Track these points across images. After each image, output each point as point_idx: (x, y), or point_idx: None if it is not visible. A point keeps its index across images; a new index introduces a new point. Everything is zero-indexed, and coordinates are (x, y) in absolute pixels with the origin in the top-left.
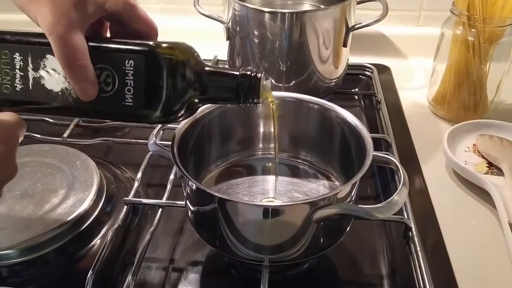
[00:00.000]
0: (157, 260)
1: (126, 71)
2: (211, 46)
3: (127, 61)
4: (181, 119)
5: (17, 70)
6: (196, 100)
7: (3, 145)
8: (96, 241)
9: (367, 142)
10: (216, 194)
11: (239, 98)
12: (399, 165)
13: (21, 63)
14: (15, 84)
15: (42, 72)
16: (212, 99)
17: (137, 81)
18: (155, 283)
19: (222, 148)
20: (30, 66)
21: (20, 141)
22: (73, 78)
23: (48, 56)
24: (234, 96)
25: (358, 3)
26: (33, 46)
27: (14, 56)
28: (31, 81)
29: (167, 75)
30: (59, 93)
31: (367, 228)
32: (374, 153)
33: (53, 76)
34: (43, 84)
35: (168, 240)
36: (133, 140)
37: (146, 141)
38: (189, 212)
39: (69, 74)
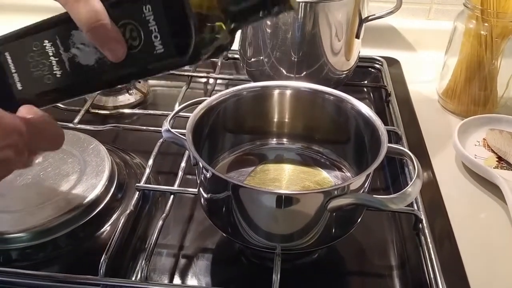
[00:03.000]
0: (168, 247)
1: (147, 18)
2: None
3: (144, 7)
4: (216, 51)
5: (51, 58)
6: (225, 26)
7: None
8: (107, 227)
9: (382, 133)
10: (232, 180)
11: (267, 4)
12: (413, 157)
13: (53, 49)
14: (54, 71)
15: (73, 50)
16: (241, 16)
17: (160, 24)
18: (166, 269)
19: (235, 136)
20: (61, 48)
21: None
22: (99, 40)
23: (73, 32)
24: (263, 4)
25: None
26: (57, 27)
27: (44, 44)
28: (67, 63)
29: (187, 6)
30: (95, 65)
31: (377, 220)
32: (388, 145)
33: (84, 50)
34: (78, 61)
35: (178, 227)
36: (144, 127)
37: (156, 128)
38: (202, 199)
39: (93, 38)
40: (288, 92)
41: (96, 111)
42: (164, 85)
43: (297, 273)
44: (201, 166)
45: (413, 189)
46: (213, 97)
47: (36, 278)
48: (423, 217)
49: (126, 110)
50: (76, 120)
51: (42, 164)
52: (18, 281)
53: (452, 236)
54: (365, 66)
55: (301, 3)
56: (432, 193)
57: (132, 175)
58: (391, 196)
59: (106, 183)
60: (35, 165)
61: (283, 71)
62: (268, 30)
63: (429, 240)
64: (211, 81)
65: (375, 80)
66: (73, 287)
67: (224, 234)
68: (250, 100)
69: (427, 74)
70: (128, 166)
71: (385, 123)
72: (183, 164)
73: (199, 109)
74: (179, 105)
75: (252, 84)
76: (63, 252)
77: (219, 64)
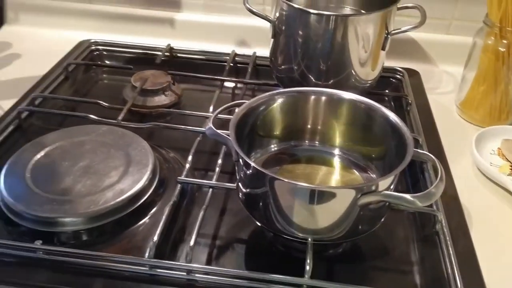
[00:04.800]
0: (205, 236)
1: None
2: (251, 43)
3: None
4: None
5: None
6: None
7: None
8: (150, 216)
9: (408, 138)
10: (274, 175)
11: None
12: (437, 161)
13: None
14: None
15: None
16: None
17: None
18: (203, 256)
19: (271, 136)
20: None
21: None
22: None
23: None
24: None
25: (398, 9)
26: None
27: None
28: None
29: None
30: None
31: (398, 219)
32: (413, 149)
33: None
34: None
35: (214, 219)
36: (182, 126)
37: (193, 127)
38: (240, 192)
39: None
40: (323, 98)
41: (137, 109)
42: (196, 89)
43: (324, 265)
44: (242, 161)
45: (437, 190)
46: (253, 99)
47: (89, 257)
48: (442, 217)
49: (163, 110)
50: (120, 118)
51: (91, 156)
52: (71, 260)
53: (468, 236)
54: (387, 76)
55: (332, 16)
56: (450, 196)
57: (171, 169)
58: (416, 194)
59: (150, 176)
60: (86, 157)
61: (312, 78)
62: (300, 39)
63: (447, 238)
64: (239, 85)
65: (396, 90)
66: (122, 266)
67: (259, 224)
68: (287, 104)
69: (446, 86)
70: (167, 161)
71: None
72: (219, 161)
73: (241, 109)
74: (213, 107)
75: (290, 89)
76: (111, 237)
77: (249, 70)
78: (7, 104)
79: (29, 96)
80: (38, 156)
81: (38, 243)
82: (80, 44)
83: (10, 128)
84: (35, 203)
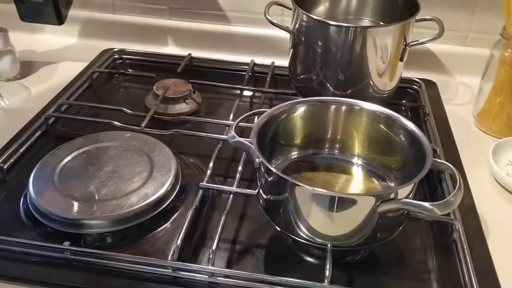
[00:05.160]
0: (225, 240)
1: None
2: (269, 53)
3: None
4: None
5: None
6: None
7: None
8: (172, 221)
9: (427, 148)
10: (296, 181)
11: None
12: (455, 170)
13: None
14: None
15: None
16: None
17: None
18: (224, 260)
19: (291, 144)
20: None
21: None
22: None
23: None
24: None
25: (416, 21)
26: None
27: None
28: None
29: None
30: None
31: (415, 228)
32: (432, 159)
33: None
34: None
35: (234, 224)
36: (204, 133)
37: (214, 135)
38: (261, 198)
39: None
40: (343, 107)
41: (159, 117)
42: (215, 97)
43: (342, 271)
44: (264, 167)
45: (455, 198)
46: (274, 107)
47: (114, 258)
48: (459, 226)
49: (184, 118)
50: (143, 124)
51: (117, 161)
52: (96, 261)
53: (485, 245)
54: (404, 87)
55: (351, 27)
56: (467, 205)
57: (192, 175)
58: (435, 203)
59: (173, 182)
60: (111, 162)
61: (330, 88)
62: (319, 50)
63: (465, 247)
64: (257, 94)
65: (413, 100)
66: (145, 268)
67: (279, 230)
68: (308, 113)
69: (463, 96)
70: (188, 167)
71: None
72: (240, 168)
73: (263, 117)
74: (233, 115)
75: (311, 98)
76: (134, 240)
77: (268, 80)
78: (34, 110)
79: (56, 102)
80: (66, 160)
81: (66, 244)
82: (104, 52)
83: (38, 133)
84: (62, 205)
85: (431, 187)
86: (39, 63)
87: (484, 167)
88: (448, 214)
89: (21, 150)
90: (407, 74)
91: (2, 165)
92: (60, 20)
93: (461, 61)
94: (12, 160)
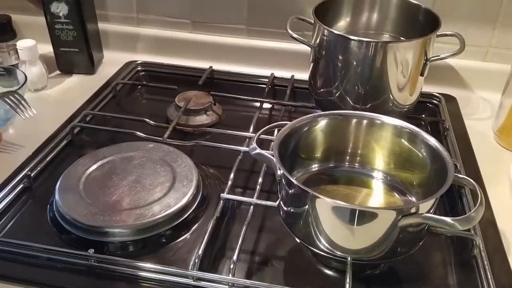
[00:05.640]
0: (245, 251)
1: None
2: (289, 66)
3: None
4: None
5: None
6: None
7: None
8: (193, 231)
9: (448, 163)
10: (316, 194)
11: None
12: (477, 186)
13: None
14: None
15: None
16: None
17: None
18: (244, 270)
19: (312, 156)
20: None
21: None
22: None
23: None
24: None
25: (437, 36)
26: None
27: None
28: None
29: None
30: None
31: (435, 243)
32: (454, 174)
33: None
34: None
35: (253, 235)
36: (224, 145)
37: (235, 146)
38: (282, 211)
39: None
40: (365, 121)
41: (182, 128)
42: (236, 109)
43: (361, 285)
44: (285, 180)
45: (476, 213)
46: (296, 120)
47: (137, 267)
48: (480, 242)
49: (205, 129)
50: (165, 135)
51: (140, 171)
52: (119, 269)
53: (506, 261)
54: (424, 101)
55: (372, 42)
56: (488, 221)
57: (212, 186)
58: (456, 218)
59: (194, 192)
60: (134, 171)
61: (350, 101)
62: (339, 64)
63: (485, 263)
64: (277, 107)
65: (433, 115)
66: (167, 277)
67: (299, 241)
68: (329, 126)
69: (483, 112)
70: (208, 178)
71: None
72: (260, 180)
73: (284, 129)
74: (253, 127)
75: (332, 111)
76: (156, 249)
77: (288, 93)
78: (61, 120)
79: (81, 113)
80: (91, 169)
81: (90, 252)
82: (128, 65)
83: (64, 142)
84: (87, 213)
85: (452, 202)
86: (65, 75)
87: (504, 182)
88: (469, 230)
89: (48, 158)
90: (427, 88)
91: (29, 173)
92: (93, 69)
93: (481, 76)
94: (38, 168)
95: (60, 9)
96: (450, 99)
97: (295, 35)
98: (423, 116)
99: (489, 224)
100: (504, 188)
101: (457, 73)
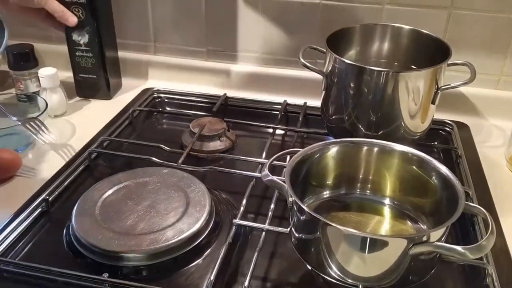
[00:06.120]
0: (256, 278)
1: None
2: (301, 93)
3: None
4: None
5: None
6: None
7: None
8: (205, 256)
9: (459, 192)
10: (328, 222)
11: None
12: (487, 215)
13: None
14: None
15: None
16: None
17: None
18: None
19: (323, 183)
20: None
21: None
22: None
23: None
24: None
25: (448, 65)
26: None
27: None
28: None
29: None
30: None
31: (446, 272)
32: (465, 203)
33: None
34: None
35: (265, 261)
36: (238, 171)
37: (247, 172)
38: (293, 238)
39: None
40: (375, 149)
41: (196, 154)
42: (249, 135)
43: None
44: (296, 206)
45: (487, 242)
46: (307, 147)
47: None
48: (492, 271)
49: (218, 155)
50: (180, 161)
51: (154, 196)
52: None
53: None
54: (436, 129)
55: (383, 71)
56: (500, 249)
57: (225, 211)
58: (467, 247)
59: (207, 218)
60: (149, 196)
61: (362, 129)
62: (351, 92)
63: None
64: (290, 133)
65: (445, 142)
66: None
67: (310, 268)
68: (340, 153)
69: (495, 139)
70: (221, 203)
71: None
72: (272, 206)
73: (296, 156)
74: (266, 153)
75: (343, 139)
76: (169, 274)
77: (300, 119)
78: (79, 145)
79: (98, 139)
80: (107, 194)
81: (105, 276)
82: (144, 91)
83: (81, 167)
84: (103, 238)
85: (464, 231)
86: (84, 100)
87: None
88: (481, 258)
89: (65, 183)
90: (439, 116)
91: (47, 197)
92: (110, 95)
93: (493, 104)
94: (56, 192)
95: (81, 37)
96: (463, 127)
97: (307, 64)
98: (436, 143)
99: (502, 253)
100: None
101: (470, 101)
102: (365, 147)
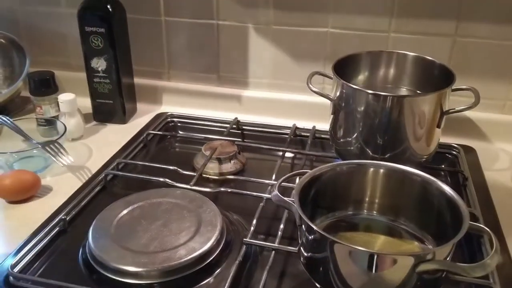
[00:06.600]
0: None
1: None
2: (310, 117)
3: None
4: None
5: None
6: None
7: None
8: (216, 275)
9: (463, 211)
10: (335, 239)
11: None
12: (491, 234)
13: None
14: None
15: None
16: None
17: None
18: None
19: (331, 204)
20: None
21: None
22: None
23: None
24: None
25: (453, 90)
26: None
27: None
28: None
29: None
30: None
31: None
32: (469, 222)
33: None
34: None
35: (275, 281)
36: (248, 192)
37: (257, 193)
38: (302, 257)
39: None
40: (381, 170)
41: (208, 176)
42: (259, 158)
43: None
44: (305, 225)
45: (492, 260)
46: (316, 169)
47: None
48: None
49: (229, 177)
50: (192, 183)
51: (167, 216)
52: None
53: None
54: (443, 152)
55: (389, 96)
56: (508, 270)
57: (236, 231)
58: (471, 265)
59: (218, 237)
60: (161, 217)
61: (369, 152)
62: (358, 116)
63: None
64: (299, 156)
65: (451, 165)
66: None
67: (319, 286)
68: (347, 174)
69: (502, 163)
70: (232, 223)
71: None
72: (281, 226)
73: (305, 177)
74: (276, 176)
75: (350, 161)
76: None
77: (309, 142)
78: (95, 167)
79: (114, 161)
80: (122, 214)
81: None
82: (158, 116)
83: (97, 188)
84: (117, 256)
85: (471, 252)
86: (100, 125)
87: None
88: (488, 278)
89: (82, 203)
90: (446, 140)
91: (65, 217)
92: (126, 119)
93: (500, 128)
94: (73, 212)
95: (99, 64)
96: (470, 150)
97: (315, 89)
98: (443, 166)
99: (508, 273)
100: None
101: (476, 126)
102: (371, 169)
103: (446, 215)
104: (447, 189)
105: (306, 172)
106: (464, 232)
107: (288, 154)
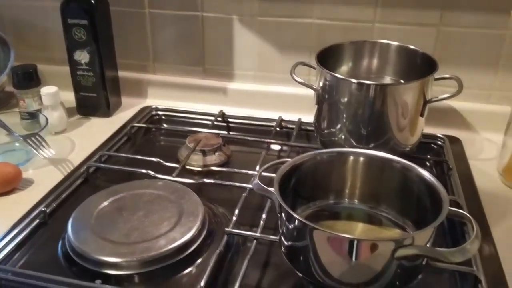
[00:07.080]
0: (248, 286)
1: None
2: (296, 109)
3: None
4: None
5: None
6: None
7: None
8: (197, 265)
9: (443, 196)
10: (315, 226)
11: None
12: (471, 219)
13: None
14: None
15: None
16: None
17: None
18: None
19: (312, 193)
20: None
21: None
22: None
23: None
24: None
25: (436, 79)
26: None
27: None
28: None
29: None
30: None
31: (437, 280)
32: (449, 208)
33: None
34: None
35: (257, 271)
36: (230, 183)
37: (239, 183)
38: (282, 244)
39: None
40: (361, 158)
41: (190, 167)
42: (244, 150)
43: None
44: (285, 213)
45: (472, 246)
46: (296, 157)
47: None
48: (482, 277)
49: (213, 168)
50: (174, 174)
51: (148, 207)
52: None
53: None
54: (428, 142)
55: (372, 85)
56: (491, 258)
57: (218, 222)
58: (451, 249)
59: (200, 227)
60: (143, 207)
61: (353, 142)
62: (342, 107)
63: None
64: (284, 148)
65: (436, 155)
66: None
67: (300, 276)
68: (327, 163)
69: (487, 152)
70: (215, 215)
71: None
72: (264, 215)
73: (285, 166)
74: (260, 167)
75: (330, 149)
76: (160, 282)
77: (294, 134)
78: (77, 160)
79: (97, 153)
80: (102, 205)
81: (98, 282)
82: (143, 109)
83: (79, 181)
84: (97, 246)
85: (454, 240)
86: (84, 118)
87: (510, 222)
88: (471, 265)
89: (63, 196)
90: (431, 130)
91: (45, 209)
92: (110, 112)
93: (485, 118)
94: (54, 205)
95: (82, 57)
96: (455, 141)
97: (298, 79)
98: (428, 156)
99: (492, 261)
100: (509, 227)
101: (462, 116)
102: (352, 157)
103: (426, 201)
104: (426, 175)
105: (287, 161)
106: (443, 217)
107: (274, 147)
